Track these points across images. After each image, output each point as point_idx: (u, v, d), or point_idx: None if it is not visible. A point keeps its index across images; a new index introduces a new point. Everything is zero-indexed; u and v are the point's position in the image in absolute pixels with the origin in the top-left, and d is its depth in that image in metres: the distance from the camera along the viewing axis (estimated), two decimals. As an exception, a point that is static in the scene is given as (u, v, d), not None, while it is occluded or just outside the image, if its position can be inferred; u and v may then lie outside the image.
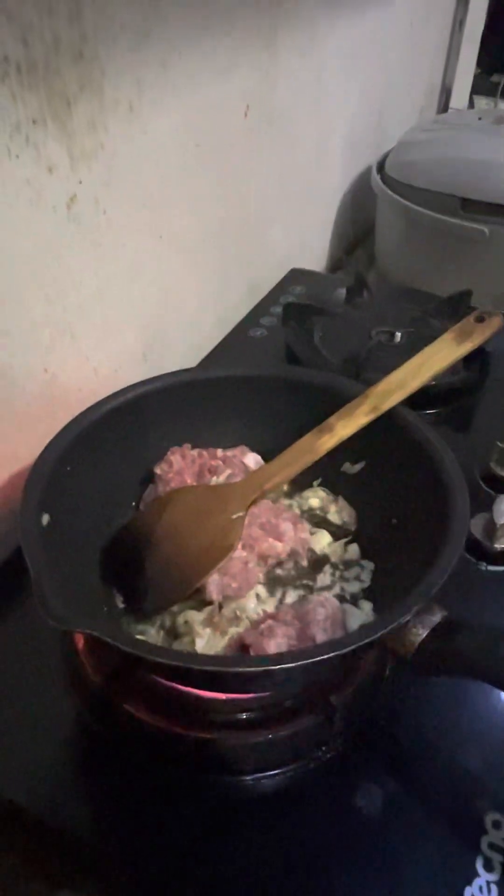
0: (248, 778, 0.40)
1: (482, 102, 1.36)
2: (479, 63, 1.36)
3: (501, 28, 1.34)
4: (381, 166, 0.97)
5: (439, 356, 0.48)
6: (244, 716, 0.40)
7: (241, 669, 0.32)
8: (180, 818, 0.39)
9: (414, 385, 0.47)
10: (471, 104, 1.37)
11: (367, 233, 1.03)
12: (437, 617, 0.35)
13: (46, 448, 0.43)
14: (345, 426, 0.45)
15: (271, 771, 0.40)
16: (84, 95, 0.46)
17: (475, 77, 1.37)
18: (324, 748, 0.41)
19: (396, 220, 0.95)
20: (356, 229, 1.07)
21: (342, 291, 0.82)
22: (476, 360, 0.70)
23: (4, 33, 0.39)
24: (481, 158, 0.90)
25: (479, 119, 1.00)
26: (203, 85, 0.59)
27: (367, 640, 0.32)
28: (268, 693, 0.40)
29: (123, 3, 0.47)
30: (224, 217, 0.70)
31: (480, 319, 0.49)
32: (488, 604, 0.50)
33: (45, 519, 0.39)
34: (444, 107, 1.40)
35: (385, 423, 0.47)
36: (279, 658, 0.33)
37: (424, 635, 0.34)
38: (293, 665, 0.31)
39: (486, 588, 0.51)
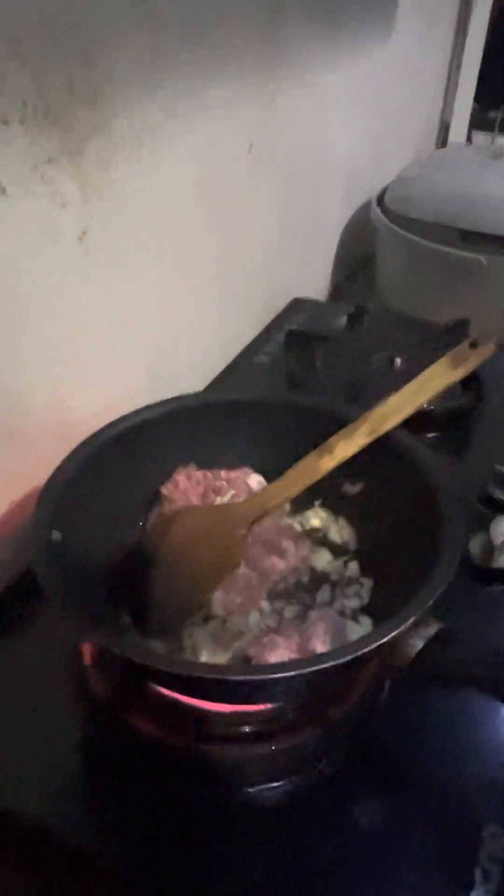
0: (250, 790, 0.41)
1: (480, 137, 1.40)
2: (477, 99, 1.40)
3: (498, 65, 1.38)
4: (380, 199, 1.00)
5: (435, 381, 0.50)
6: (246, 729, 0.42)
7: (243, 677, 0.34)
8: (182, 828, 0.40)
9: (410, 408, 0.49)
10: (469, 139, 1.41)
11: (368, 263, 1.05)
12: (432, 629, 0.37)
13: (57, 469, 0.44)
14: (344, 448, 0.47)
15: (272, 783, 0.41)
16: (96, 136, 0.49)
17: (473, 112, 1.41)
18: (324, 762, 0.42)
19: (396, 251, 0.98)
20: (357, 259, 1.10)
21: (343, 319, 0.84)
22: (472, 386, 0.72)
23: (23, 79, 0.42)
24: (478, 191, 0.93)
25: (476, 153, 1.04)
26: (208, 124, 0.62)
27: (365, 650, 0.34)
28: (269, 706, 0.41)
29: (133, 50, 0.50)
30: (228, 248, 0.73)
31: (474, 346, 0.51)
32: (486, 622, 0.52)
33: (57, 536, 0.41)
34: (443, 141, 1.44)
35: (383, 446, 0.49)
36: (280, 667, 0.34)
37: (420, 646, 0.36)
38: (293, 674, 0.33)
39: (483, 606, 0.53)
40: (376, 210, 0.99)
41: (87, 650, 0.46)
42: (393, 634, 0.34)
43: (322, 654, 0.36)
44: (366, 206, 1.04)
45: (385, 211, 0.98)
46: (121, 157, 0.52)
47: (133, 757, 0.42)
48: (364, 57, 0.92)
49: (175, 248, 0.63)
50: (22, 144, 0.43)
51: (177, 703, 0.41)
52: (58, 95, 0.45)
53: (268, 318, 0.86)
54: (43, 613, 0.50)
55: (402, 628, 0.35)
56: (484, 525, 0.57)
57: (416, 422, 0.51)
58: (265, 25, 0.67)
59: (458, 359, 0.51)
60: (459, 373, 0.50)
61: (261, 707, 0.41)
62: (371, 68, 0.96)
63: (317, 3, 0.75)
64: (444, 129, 1.42)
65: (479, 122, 1.41)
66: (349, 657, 0.33)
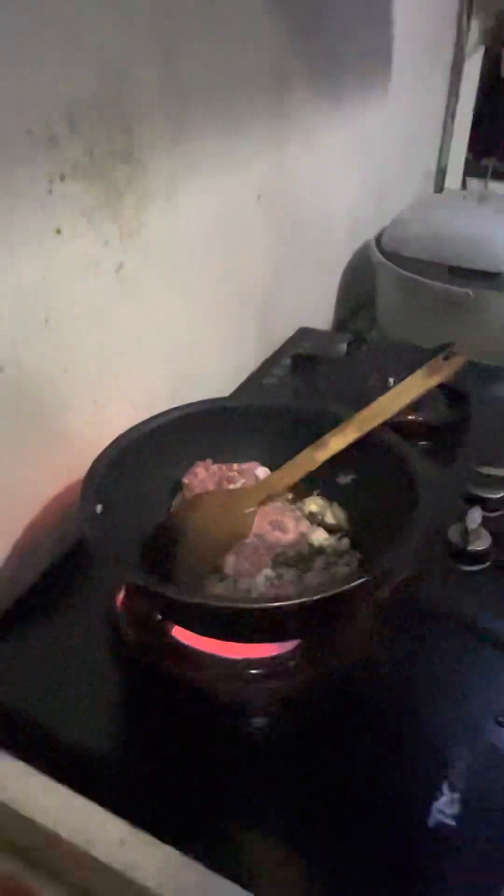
0: (255, 723, 0.50)
1: (474, 183, 1.52)
2: (471, 148, 1.52)
3: (487, 119, 1.50)
4: (378, 240, 1.11)
5: (413, 387, 0.59)
6: (252, 671, 0.51)
7: (249, 605, 0.43)
8: (200, 755, 0.48)
9: (393, 409, 0.58)
10: (463, 185, 1.53)
11: (370, 297, 1.16)
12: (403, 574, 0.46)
13: (99, 456, 0.54)
14: (336, 442, 0.57)
15: (272, 715, 0.50)
16: (131, 187, 0.60)
17: (467, 161, 1.53)
18: (317, 694, 0.51)
19: (393, 287, 1.08)
20: (360, 295, 1.20)
21: (344, 346, 0.94)
22: (459, 402, 0.82)
23: (75, 146, 0.53)
24: (465, 232, 1.04)
25: (463, 198, 1.15)
26: (224, 176, 0.73)
27: (353, 585, 0.43)
28: (272, 650, 0.50)
29: (162, 119, 0.61)
30: (241, 282, 0.83)
31: (447, 358, 0.61)
32: (464, 596, 0.60)
33: (99, 508, 0.51)
34: (440, 187, 1.56)
35: (371, 443, 0.58)
36: (279, 597, 0.43)
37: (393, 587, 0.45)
38: (292, 602, 0.42)
39: (462, 584, 0.61)
40: (375, 250, 1.09)
41: (119, 604, 0.55)
42: (374, 574, 0.43)
43: (315, 587, 0.45)
44: (367, 247, 1.14)
45: (383, 251, 1.09)
46: (151, 205, 0.63)
47: (155, 690, 0.51)
48: (363, 119, 1.04)
49: (195, 281, 0.74)
50: (74, 195, 0.54)
51: (191, 648, 0.50)
52: (102, 157, 0.56)
53: (276, 345, 0.96)
54: (84, 584, 0.59)
55: (384, 568, 0.44)
56: (462, 517, 0.66)
57: (412, 433, 0.61)
58: (274, 96, 0.78)
59: (433, 369, 0.60)
60: (434, 380, 0.60)
61: (264, 650, 0.50)
62: (369, 128, 1.08)
63: (318, 77, 0.86)
64: (441, 175, 1.54)
65: (472, 169, 1.53)
66: (339, 590, 0.42)
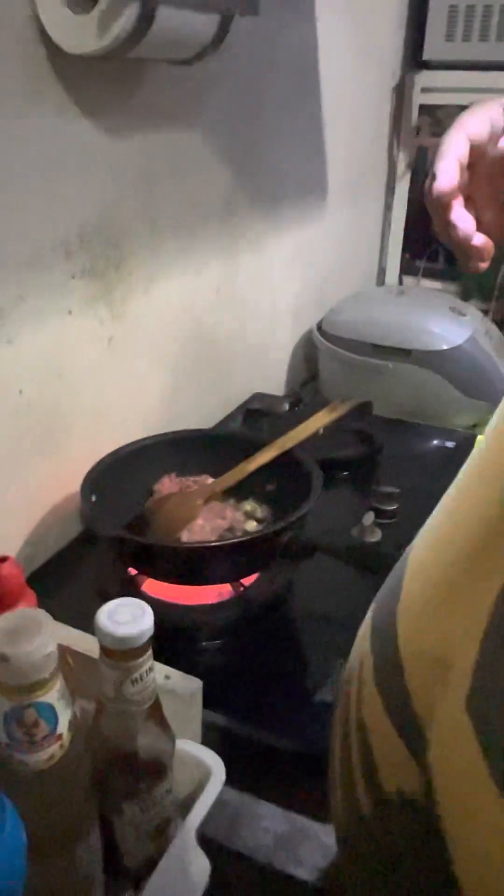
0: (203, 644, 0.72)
1: (409, 280, 1.82)
2: (406, 250, 1.83)
3: (418, 226, 1.82)
4: (319, 325, 1.38)
5: (317, 420, 0.84)
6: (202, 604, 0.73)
7: (189, 544, 0.65)
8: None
9: (301, 436, 0.82)
10: (400, 281, 1.83)
11: (316, 369, 1.42)
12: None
13: (93, 466, 0.78)
14: (262, 458, 0.80)
15: (217, 636, 0.72)
16: (120, 284, 0.86)
17: (404, 260, 1.83)
18: (245, 621, 0.73)
19: (331, 361, 1.35)
20: (309, 366, 1.47)
21: (287, 404, 1.19)
22: (368, 442, 1.07)
23: (82, 257, 0.79)
24: (385, 318, 1.31)
25: (386, 292, 1.43)
26: (188, 276, 1.00)
27: (266, 532, 0.66)
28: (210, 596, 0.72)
29: (143, 239, 0.88)
30: (204, 355, 1.09)
31: (342, 402, 0.86)
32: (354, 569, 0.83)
33: (94, 498, 0.74)
34: (381, 282, 1.86)
35: (287, 460, 0.82)
36: (212, 542, 0.66)
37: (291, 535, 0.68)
38: (222, 543, 0.65)
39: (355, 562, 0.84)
40: (316, 332, 1.37)
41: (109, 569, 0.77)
42: (280, 525, 0.67)
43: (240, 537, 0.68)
44: (311, 330, 1.42)
45: (323, 333, 1.36)
46: (134, 297, 0.89)
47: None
48: (302, 232, 1.33)
49: (166, 352, 0.99)
50: (81, 289, 0.80)
51: (158, 599, 0.72)
52: (100, 264, 0.82)
53: (234, 405, 1.21)
54: (81, 564, 0.82)
55: (285, 522, 0.67)
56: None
57: (335, 466, 0.85)
58: (225, 217, 1.06)
59: (332, 408, 0.85)
60: (333, 416, 0.85)
61: (210, 597, 0.72)
62: (309, 238, 1.37)
63: (260, 202, 1.15)
64: (382, 272, 1.85)
65: (408, 268, 1.83)
66: (253, 536, 0.65)
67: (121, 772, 0.43)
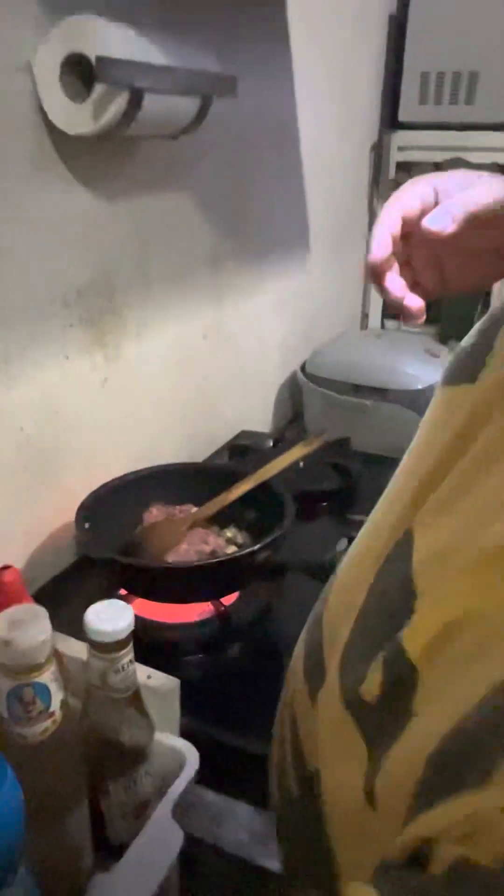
0: (186, 658, 0.79)
1: (391, 324, 1.92)
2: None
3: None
4: (303, 366, 1.48)
5: (293, 454, 0.92)
6: (184, 629, 0.80)
7: (173, 565, 0.73)
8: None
9: (278, 468, 0.90)
10: (382, 325, 1.93)
11: (301, 408, 1.51)
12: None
13: (87, 495, 0.86)
14: (241, 487, 0.88)
15: (198, 650, 0.79)
16: (114, 332, 0.95)
17: (385, 306, 1.94)
18: (224, 637, 0.80)
19: (314, 399, 1.44)
20: (295, 404, 1.56)
21: (271, 441, 1.28)
22: (345, 475, 1.14)
23: (79, 306, 0.88)
24: (364, 360, 1.41)
25: (365, 335, 1.53)
26: (177, 324, 1.09)
27: (241, 553, 0.73)
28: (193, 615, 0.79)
29: (136, 289, 0.97)
30: (192, 396, 1.18)
31: (317, 437, 0.94)
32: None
33: (87, 525, 0.81)
34: (365, 326, 1.96)
35: (265, 491, 0.90)
36: (193, 562, 0.74)
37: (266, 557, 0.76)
38: (201, 563, 0.72)
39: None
40: (300, 374, 1.46)
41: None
42: (254, 548, 0.74)
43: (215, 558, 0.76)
44: (296, 371, 1.51)
45: (306, 374, 1.45)
46: (127, 342, 0.98)
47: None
48: (286, 282, 1.43)
49: (158, 393, 1.08)
50: (78, 336, 0.89)
51: (145, 619, 0.80)
52: (95, 313, 0.91)
53: (222, 441, 1.30)
54: (75, 587, 0.89)
55: (258, 546, 0.75)
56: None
57: (312, 497, 0.93)
58: (212, 269, 1.16)
59: (308, 443, 0.93)
60: (308, 449, 0.92)
61: (192, 615, 0.79)
62: (293, 288, 1.47)
63: (245, 256, 1.25)
64: (365, 317, 1.95)
65: (388, 312, 1.94)
66: (227, 557, 0.73)
67: (106, 753, 0.50)
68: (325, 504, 1.11)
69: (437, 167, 1.74)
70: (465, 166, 1.69)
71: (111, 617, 0.47)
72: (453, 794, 0.29)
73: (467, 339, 0.45)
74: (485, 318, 0.44)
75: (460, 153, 1.70)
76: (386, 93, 1.76)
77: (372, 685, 0.37)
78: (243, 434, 1.34)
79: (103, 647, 0.47)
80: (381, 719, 0.36)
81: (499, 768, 0.26)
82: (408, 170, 1.77)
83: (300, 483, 1.09)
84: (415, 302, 0.55)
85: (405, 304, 0.55)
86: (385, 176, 1.79)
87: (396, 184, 1.80)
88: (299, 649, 0.48)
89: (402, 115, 1.72)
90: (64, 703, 0.46)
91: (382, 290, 0.55)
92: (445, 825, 0.28)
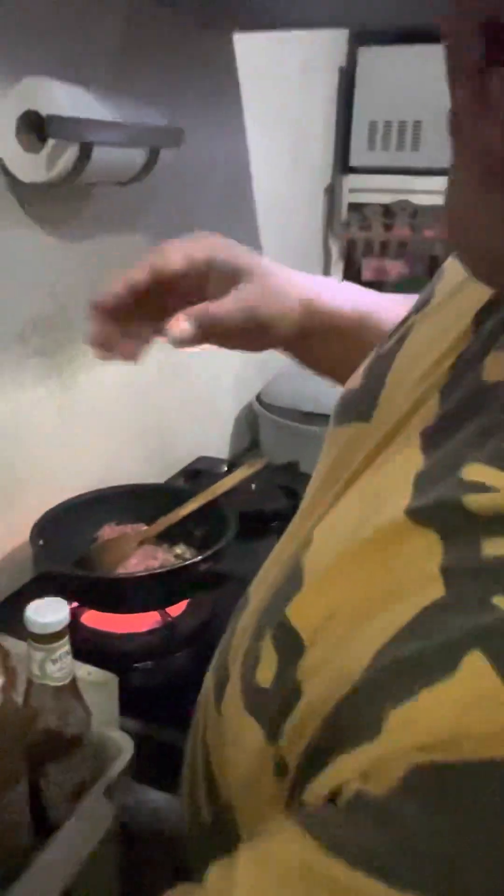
0: (137, 665, 0.84)
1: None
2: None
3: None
4: (259, 396, 1.55)
5: (237, 475, 0.98)
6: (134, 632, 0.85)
7: (119, 576, 0.79)
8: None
9: (223, 488, 0.96)
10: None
11: (258, 435, 1.58)
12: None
13: (42, 515, 0.91)
14: (189, 505, 0.94)
15: (147, 658, 0.84)
16: (69, 363, 1.01)
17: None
18: (171, 644, 0.85)
19: (269, 427, 1.51)
20: (251, 433, 1.63)
21: (225, 466, 1.34)
22: (291, 496, 1.21)
23: (37, 340, 0.94)
24: (313, 389, 1.48)
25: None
26: (132, 355, 1.16)
27: (184, 564, 0.79)
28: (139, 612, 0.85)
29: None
30: (147, 424, 1.24)
31: (260, 459, 1.00)
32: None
33: (41, 542, 0.87)
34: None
35: (213, 510, 0.96)
36: (137, 573, 0.80)
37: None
38: (143, 573, 0.78)
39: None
40: (255, 402, 1.53)
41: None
42: (194, 559, 0.80)
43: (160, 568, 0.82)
44: (251, 400, 1.58)
45: (261, 402, 1.53)
46: (81, 373, 1.04)
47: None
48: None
49: (112, 420, 1.14)
50: (34, 366, 0.95)
51: (95, 629, 0.85)
52: (51, 346, 0.97)
53: (180, 467, 1.36)
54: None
55: (198, 559, 0.81)
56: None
57: (261, 518, 0.99)
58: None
59: (250, 465, 1.00)
60: (251, 470, 0.99)
61: (140, 626, 0.85)
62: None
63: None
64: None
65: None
66: (168, 568, 0.79)
67: (45, 737, 0.55)
68: (274, 524, 1.17)
69: (386, 209, 1.85)
70: (412, 208, 1.80)
71: (49, 611, 0.53)
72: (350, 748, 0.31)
73: (352, 381, 0.51)
74: (370, 357, 0.50)
75: (407, 195, 1.81)
76: (338, 139, 1.88)
77: (265, 669, 0.39)
78: (201, 460, 1.41)
79: (41, 639, 0.53)
80: (277, 705, 0.37)
81: (387, 719, 0.29)
82: (359, 210, 1.88)
83: (252, 504, 1.16)
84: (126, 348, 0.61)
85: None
86: (338, 217, 1.89)
87: (348, 224, 1.91)
88: (209, 675, 0.53)
89: (354, 160, 1.83)
90: (5, 687, 0.51)
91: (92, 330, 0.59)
92: (348, 775, 0.30)
